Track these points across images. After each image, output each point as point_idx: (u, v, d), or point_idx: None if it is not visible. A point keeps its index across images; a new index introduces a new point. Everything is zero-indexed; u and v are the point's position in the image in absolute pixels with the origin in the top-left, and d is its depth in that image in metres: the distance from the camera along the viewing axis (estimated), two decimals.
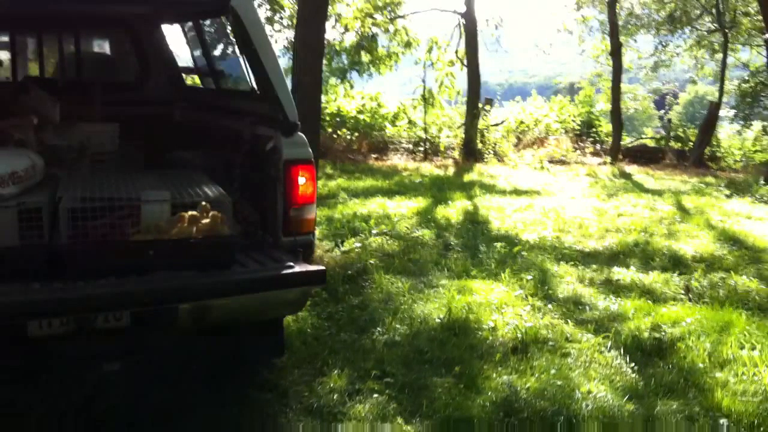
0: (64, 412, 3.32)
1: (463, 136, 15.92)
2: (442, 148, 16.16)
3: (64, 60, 5.37)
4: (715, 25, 19.75)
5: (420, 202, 8.98)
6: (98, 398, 3.43)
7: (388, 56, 17.94)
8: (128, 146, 4.43)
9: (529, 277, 5.55)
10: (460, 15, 16.30)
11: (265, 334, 3.59)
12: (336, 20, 16.71)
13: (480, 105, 16.21)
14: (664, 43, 21.89)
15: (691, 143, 17.46)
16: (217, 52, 6.38)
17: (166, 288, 2.97)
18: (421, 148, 15.94)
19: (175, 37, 5.34)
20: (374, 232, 6.98)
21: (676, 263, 6.29)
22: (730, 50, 20.13)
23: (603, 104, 19.83)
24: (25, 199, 3.12)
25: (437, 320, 4.68)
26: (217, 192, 3.33)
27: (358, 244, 6.47)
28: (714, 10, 19.29)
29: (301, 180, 3.47)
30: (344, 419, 3.42)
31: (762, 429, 3.44)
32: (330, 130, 15.68)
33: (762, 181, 12.02)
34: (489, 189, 10.52)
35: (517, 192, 10.39)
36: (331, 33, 16.66)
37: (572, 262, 6.24)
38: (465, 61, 16.28)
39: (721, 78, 19.56)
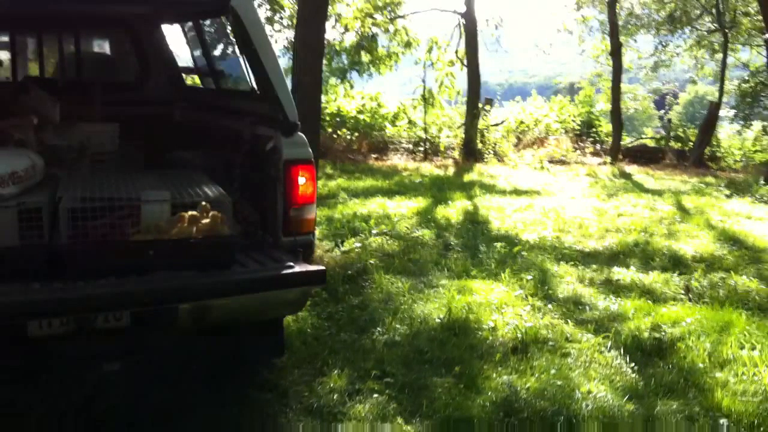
0: (64, 412, 3.32)
1: (463, 136, 15.92)
2: (442, 148, 16.16)
3: (64, 60, 5.37)
4: (715, 25, 19.75)
5: (420, 202, 8.98)
6: (98, 398, 3.43)
7: (388, 56, 17.94)
8: (128, 146, 4.43)
9: (529, 277, 5.55)
10: (460, 15, 16.30)
11: (265, 334, 3.59)
12: (336, 20, 16.71)
13: (480, 105, 16.21)
14: (664, 43, 21.89)
15: (691, 143, 17.46)
16: (217, 52, 6.38)
17: (166, 288, 2.96)
18: (421, 148, 15.95)
19: (175, 37, 5.35)
20: (374, 232, 6.98)
21: (676, 263, 6.29)
22: (730, 50, 20.13)
23: (603, 104, 19.83)
24: (25, 199, 3.12)
25: (437, 320, 4.68)
26: (217, 192, 3.33)
27: (358, 244, 6.47)
28: (714, 10, 19.29)
29: (301, 180, 3.47)
30: (344, 419, 3.42)
31: (762, 429, 3.44)
32: (330, 130, 15.68)
33: (762, 181, 12.03)
34: (489, 189, 10.52)
35: (517, 192, 10.39)
36: (331, 33, 16.67)
37: (572, 262, 6.24)
38: (465, 61, 16.28)
39: (721, 78, 19.56)
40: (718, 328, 4.53)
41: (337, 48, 17.41)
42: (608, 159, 16.00)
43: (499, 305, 4.94)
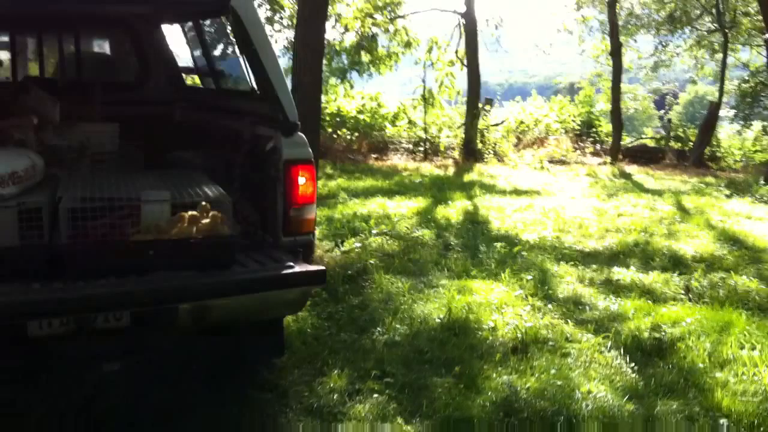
0: (64, 412, 3.32)
1: (463, 136, 15.93)
2: (442, 148, 16.17)
3: (64, 60, 5.37)
4: (715, 25, 19.74)
5: (420, 202, 8.98)
6: (98, 398, 3.43)
7: (388, 56, 17.93)
8: (128, 146, 4.43)
9: (529, 277, 5.55)
10: (460, 15, 16.30)
11: (265, 334, 3.59)
12: (336, 20, 16.71)
13: (480, 105, 16.22)
14: (664, 43, 21.88)
15: (691, 143, 17.46)
16: (217, 52, 6.38)
17: (166, 288, 2.96)
18: (421, 148, 15.95)
19: (175, 37, 5.35)
20: (374, 232, 6.98)
21: (676, 263, 6.29)
22: (730, 50, 20.12)
23: (603, 104, 19.83)
24: (25, 199, 3.11)
25: (437, 320, 4.68)
26: (217, 192, 3.33)
27: (358, 244, 6.47)
28: (714, 10, 19.29)
29: (301, 180, 3.47)
30: (344, 419, 3.42)
31: (762, 429, 3.44)
32: (330, 130, 15.68)
33: (762, 181, 12.03)
34: (489, 189, 10.52)
35: (517, 192, 10.40)
36: (331, 33, 16.67)
37: (572, 262, 6.24)
38: (465, 61, 16.28)
39: (721, 78, 19.56)
40: (718, 328, 4.53)
41: (337, 48, 17.40)
42: (608, 159, 16.01)
43: (499, 305, 4.94)
